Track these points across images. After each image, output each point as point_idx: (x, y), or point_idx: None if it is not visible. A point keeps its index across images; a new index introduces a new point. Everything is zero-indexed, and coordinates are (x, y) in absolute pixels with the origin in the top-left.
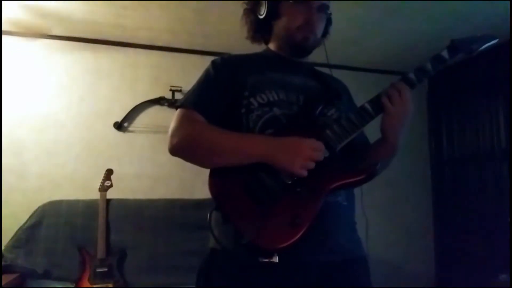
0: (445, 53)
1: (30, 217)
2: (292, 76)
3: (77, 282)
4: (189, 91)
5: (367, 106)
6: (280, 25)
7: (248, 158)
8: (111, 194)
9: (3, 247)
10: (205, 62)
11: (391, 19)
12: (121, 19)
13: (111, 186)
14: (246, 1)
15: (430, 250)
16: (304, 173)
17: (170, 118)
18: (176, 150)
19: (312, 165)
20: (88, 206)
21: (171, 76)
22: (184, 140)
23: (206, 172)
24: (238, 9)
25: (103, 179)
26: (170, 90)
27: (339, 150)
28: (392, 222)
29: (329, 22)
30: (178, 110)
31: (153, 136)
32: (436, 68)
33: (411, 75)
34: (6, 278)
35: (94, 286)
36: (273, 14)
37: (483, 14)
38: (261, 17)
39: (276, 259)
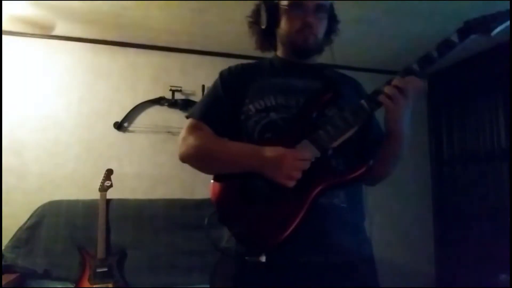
0: (454, 37)
1: (30, 217)
2: (296, 79)
3: (77, 282)
4: (198, 102)
5: (363, 103)
6: (281, 32)
7: (241, 169)
8: (111, 194)
9: (3, 247)
10: (205, 62)
11: (390, 19)
12: (121, 19)
13: (111, 186)
14: (249, 14)
15: (430, 250)
16: (290, 183)
17: (170, 118)
18: (183, 158)
19: (298, 175)
20: (88, 206)
21: (171, 76)
22: (189, 150)
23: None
24: (237, 9)
25: (103, 179)
26: (170, 90)
27: (342, 148)
28: (392, 222)
29: (333, 20)
30: (188, 120)
31: (153, 136)
32: (443, 54)
33: (414, 65)
34: (6, 278)
35: (94, 286)
36: (273, 22)
37: (483, 14)
38: (263, 27)
39: (263, 259)
